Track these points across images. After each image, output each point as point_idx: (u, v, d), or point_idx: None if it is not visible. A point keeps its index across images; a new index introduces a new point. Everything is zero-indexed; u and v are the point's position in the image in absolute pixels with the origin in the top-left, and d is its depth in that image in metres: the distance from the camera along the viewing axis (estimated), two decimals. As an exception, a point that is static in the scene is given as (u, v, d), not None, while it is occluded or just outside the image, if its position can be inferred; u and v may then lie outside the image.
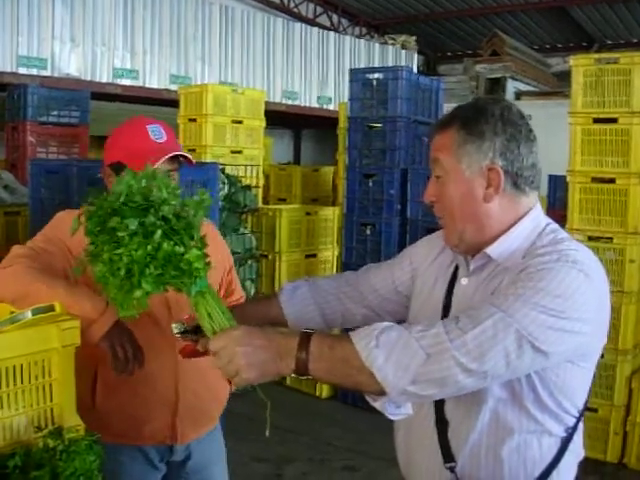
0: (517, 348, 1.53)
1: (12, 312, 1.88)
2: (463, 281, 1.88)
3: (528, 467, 1.75)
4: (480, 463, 1.76)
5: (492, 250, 1.80)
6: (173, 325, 1.96)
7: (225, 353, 1.63)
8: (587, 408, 1.82)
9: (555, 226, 1.86)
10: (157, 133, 2.43)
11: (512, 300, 1.57)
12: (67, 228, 2.42)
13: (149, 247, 1.66)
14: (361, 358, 1.54)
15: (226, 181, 6.50)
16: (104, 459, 2.41)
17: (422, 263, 2.08)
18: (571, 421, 1.77)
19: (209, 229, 2.81)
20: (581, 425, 1.83)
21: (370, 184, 6.51)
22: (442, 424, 1.83)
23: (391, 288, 2.13)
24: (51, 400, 1.86)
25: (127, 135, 2.47)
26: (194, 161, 2.50)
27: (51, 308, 1.81)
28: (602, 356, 1.92)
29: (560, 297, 1.57)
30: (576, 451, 1.83)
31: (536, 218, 1.85)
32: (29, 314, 1.78)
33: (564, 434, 1.77)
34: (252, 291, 6.81)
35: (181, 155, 2.44)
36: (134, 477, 2.53)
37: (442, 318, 1.84)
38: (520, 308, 1.55)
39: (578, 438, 1.83)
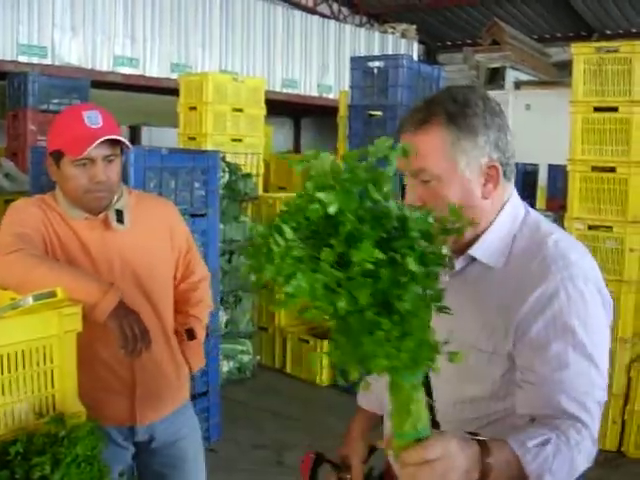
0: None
1: (13, 298, 1.89)
2: (445, 277, 1.63)
3: None
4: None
5: (474, 251, 1.73)
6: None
7: (441, 465, 1.33)
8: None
9: (535, 215, 1.80)
10: (93, 119, 2.41)
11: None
12: (31, 213, 2.43)
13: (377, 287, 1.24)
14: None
15: (226, 169, 6.49)
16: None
17: None
18: None
19: (166, 206, 2.83)
20: None
21: (370, 173, 6.48)
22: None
23: None
24: (52, 387, 1.86)
25: (63, 122, 2.48)
26: (130, 146, 2.51)
27: (53, 294, 1.81)
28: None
29: (590, 332, 1.59)
30: None
31: (514, 209, 1.76)
32: (30, 300, 1.78)
33: None
34: (252, 279, 6.79)
35: (117, 140, 2.43)
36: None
37: None
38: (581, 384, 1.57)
39: None
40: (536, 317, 1.59)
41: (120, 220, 2.50)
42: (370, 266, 1.20)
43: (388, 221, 1.28)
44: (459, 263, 1.76)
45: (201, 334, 2.83)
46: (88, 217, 2.47)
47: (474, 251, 1.73)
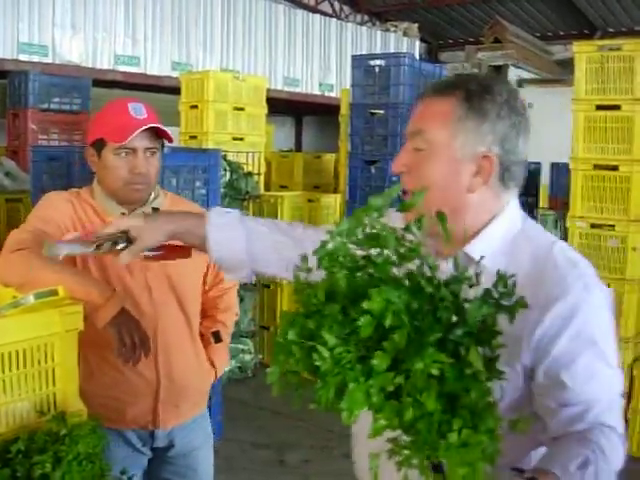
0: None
1: (14, 296, 1.88)
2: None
3: None
4: None
5: (471, 249, 1.60)
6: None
7: None
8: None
9: (534, 222, 1.73)
10: (138, 110, 2.44)
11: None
12: (59, 208, 2.44)
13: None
14: None
15: (227, 168, 6.49)
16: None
17: None
18: None
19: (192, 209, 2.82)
20: None
21: (372, 171, 6.50)
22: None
23: None
24: (54, 385, 1.86)
25: (108, 112, 2.51)
26: (172, 137, 2.54)
27: (54, 292, 1.80)
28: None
29: (608, 340, 1.58)
30: None
31: (512, 218, 1.65)
32: (31, 298, 1.77)
33: None
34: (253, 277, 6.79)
35: (160, 131, 2.46)
36: (118, 461, 2.51)
37: None
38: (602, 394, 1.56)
39: None
40: (560, 332, 1.52)
41: None
42: (436, 372, 1.06)
43: (446, 312, 1.11)
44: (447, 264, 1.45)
45: (226, 339, 2.83)
46: (124, 213, 2.47)
47: (471, 249, 1.60)
